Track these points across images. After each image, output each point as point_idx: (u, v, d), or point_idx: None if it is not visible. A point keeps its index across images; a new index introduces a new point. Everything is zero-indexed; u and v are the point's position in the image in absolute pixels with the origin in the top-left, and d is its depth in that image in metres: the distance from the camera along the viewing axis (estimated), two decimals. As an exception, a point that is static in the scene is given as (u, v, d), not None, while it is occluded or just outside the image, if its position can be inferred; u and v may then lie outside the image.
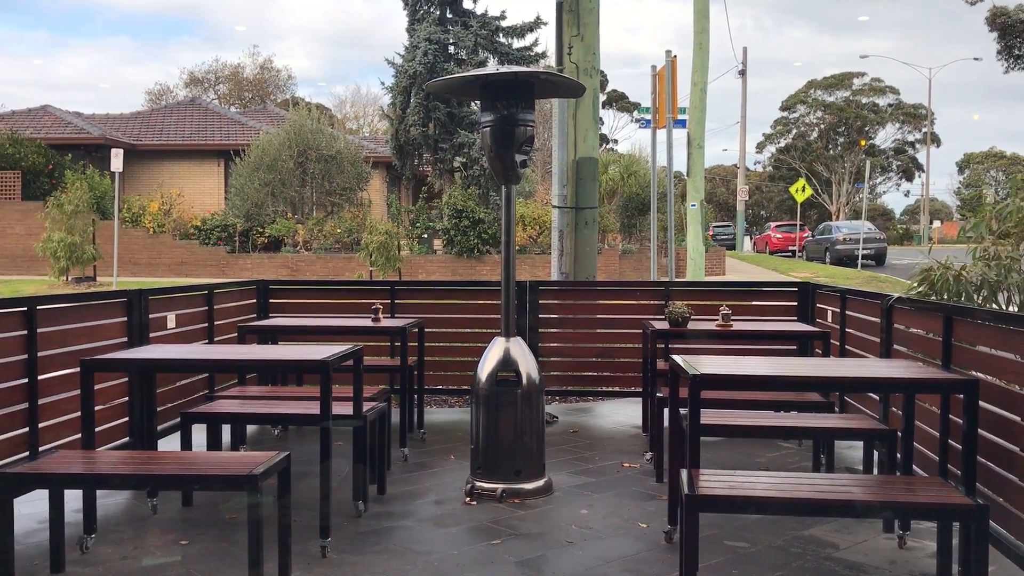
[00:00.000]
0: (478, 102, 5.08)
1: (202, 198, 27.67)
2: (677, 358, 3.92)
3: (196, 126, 30.04)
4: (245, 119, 31.76)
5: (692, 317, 5.86)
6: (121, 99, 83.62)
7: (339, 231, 23.06)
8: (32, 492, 3.80)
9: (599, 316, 7.44)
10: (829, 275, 23.19)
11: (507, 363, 4.83)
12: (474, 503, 4.69)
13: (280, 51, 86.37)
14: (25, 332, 4.40)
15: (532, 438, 4.84)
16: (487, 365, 4.87)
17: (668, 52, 12.57)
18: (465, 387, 7.24)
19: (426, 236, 23.44)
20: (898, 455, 4.28)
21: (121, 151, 19.75)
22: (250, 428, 6.28)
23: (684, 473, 3.48)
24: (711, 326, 5.87)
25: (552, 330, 7.26)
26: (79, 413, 4.70)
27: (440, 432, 6.41)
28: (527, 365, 4.86)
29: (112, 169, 19.22)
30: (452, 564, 3.83)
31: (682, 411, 4.02)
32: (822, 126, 56.43)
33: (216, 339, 6.26)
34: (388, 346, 6.88)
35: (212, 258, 23.56)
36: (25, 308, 4.43)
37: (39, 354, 4.47)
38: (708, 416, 4.25)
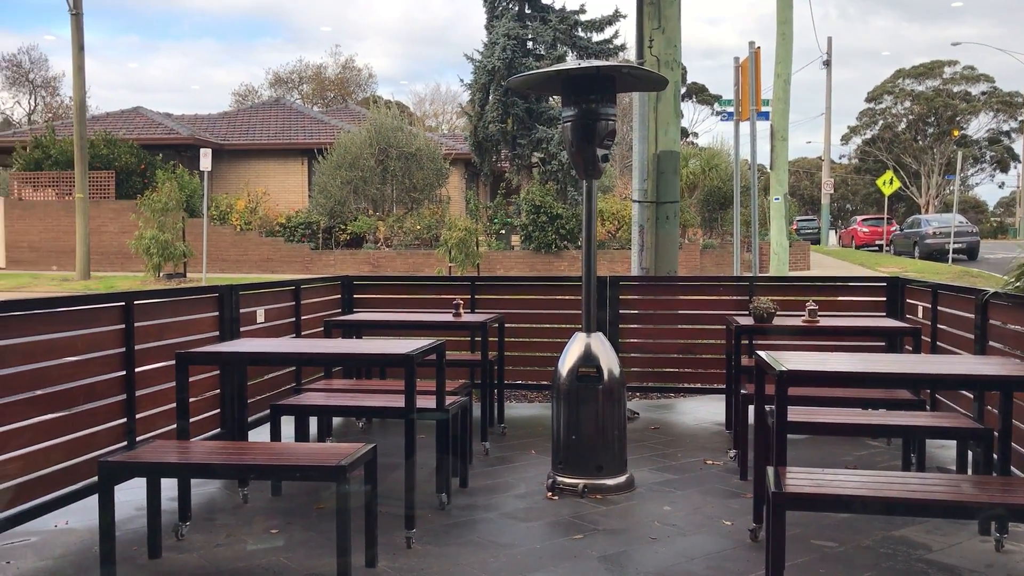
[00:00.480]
0: (558, 97, 5.08)
1: (287, 196, 28.29)
2: (763, 354, 3.86)
3: (280, 126, 30.72)
4: (327, 118, 32.35)
5: (777, 313, 5.75)
6: (208, 100, 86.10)
7: (419, 228, 23.32)
8: (130, 480, 3.95)
9: (680, 312, 7.36)
10: (918, 270, 22.51)
11: (588, 359, 4.83)
12: (555, 498, 4.70)
13: (360, 50, 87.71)
14: (123, 326, 4.57)
15: (614, 434, 4.83)
16: (568, 361, 4.87)
17: (751, 43, 12.36)
18: (544, 382, 7.26)
19: (504, 232, 23.53)
20: (994, 455, 4.14)
21: (209, 151, 20.33)
22: (335, 420, 6.41)
23: (770, 470, 3.42)
24: (797, 322, 5.76)
25: (632, 326, 7.22)
26: (173, 404, 4.88)
27: (520, 427, 6.44)
28: (608, 361, 4.85)
29: (201, 168, 19.80)
30: (535, 558, 3.85)
31: (768, 408, 3.96)
32: (910, 116, 54.76)
33: (303, 333, 6.40)
34: (468, 341, 6.94)
35: (296, 255, 24.08)
36: (123, 303, 4.60)
37: (136, 347, 4.63)
38: (794, 413, 4.17)
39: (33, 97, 54.48)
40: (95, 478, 3.99)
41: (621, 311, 7.07)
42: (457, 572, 3.69)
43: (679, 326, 7.32)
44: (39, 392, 4.01)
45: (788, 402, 3.60)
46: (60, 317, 4.20)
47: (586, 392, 4.79)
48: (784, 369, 3.49)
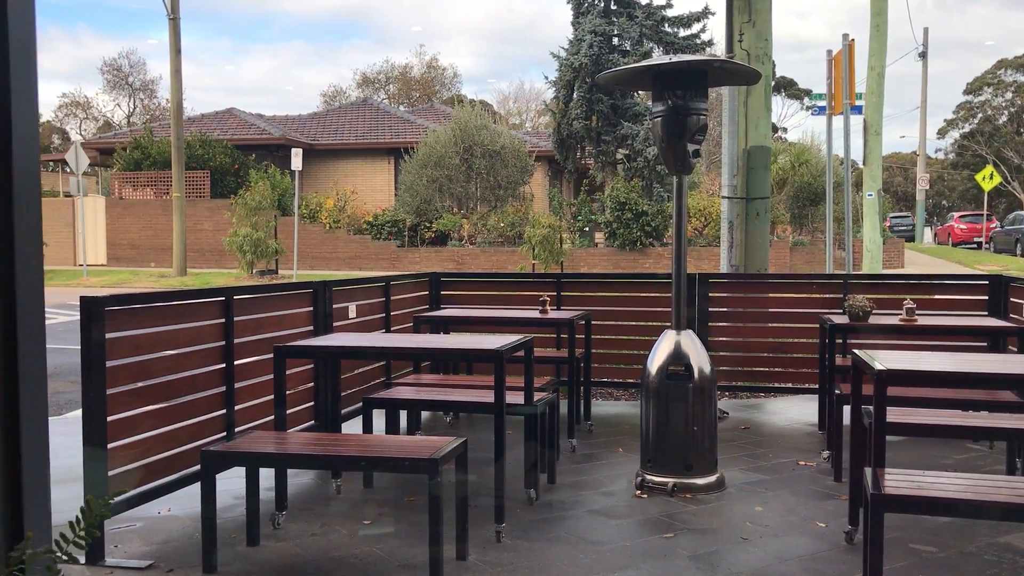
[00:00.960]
0: (644, 93, 5.05)
1: (374, 195, 28.76)
2: (860, 353, 3.77)
3: (368, 125, 31.23)
4: (413, 117, 32.76)
5: (873, 311, 5.60)
6: (298, 101, 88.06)
7: (502, 225, 23.44)
8: (228, 470, 4.08)
9: (771, 310, 7.24)
10: (1021, 268, 21.61)
11: (678, 356, 4.79)
12: (644, 496, 4.68)
13: (445, 50, 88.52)
14: (223, 320, 4.72)
15: (704, 433, 4.78)
16: (657, 358, 4.83)
17: (845, 36, 12.05)
18: (630, 380, 7.22)
19: (588, 229, 23.46)
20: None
21: (300, 150, 20.81)
22: (424, 414, 6.50)
23: (868, 472, 3.34)
24: (894, 321, 5.60)
25: (721, 324, 7.12)
26: (270, 397, 5.03)
27: (606, 424, 6.42)
28: (699, 359, 4.80)
29: (292, 168, 20.27)
30: (625, 555, 3.84)
31: (864, 408, 3.86)
32: (1012, 109, 52.56)
33: (392, 328, 6.51)
34: (554, 338, 6.95)
35: (383, 252, 24.46)
36: (223, 298, 4.75)
37: (235, 341, 4.78)
38: (892, 414, 4.06)
39: (132, 100, 56.53)
40: (197, 467, 4.14)
41: (710, 309, 6.98)
42: (547, 567, 3.70)
43: (769, 324, 7.19)
44: (145, 383, 4.17)
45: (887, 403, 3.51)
46: (164, 311, 4.37)
47: (676, 390, 4.75)
48: (884, 368, 3.40)
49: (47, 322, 10.90)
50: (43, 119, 60.78)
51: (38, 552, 0.68)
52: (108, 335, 3.89)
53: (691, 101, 4.67)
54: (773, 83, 9.58)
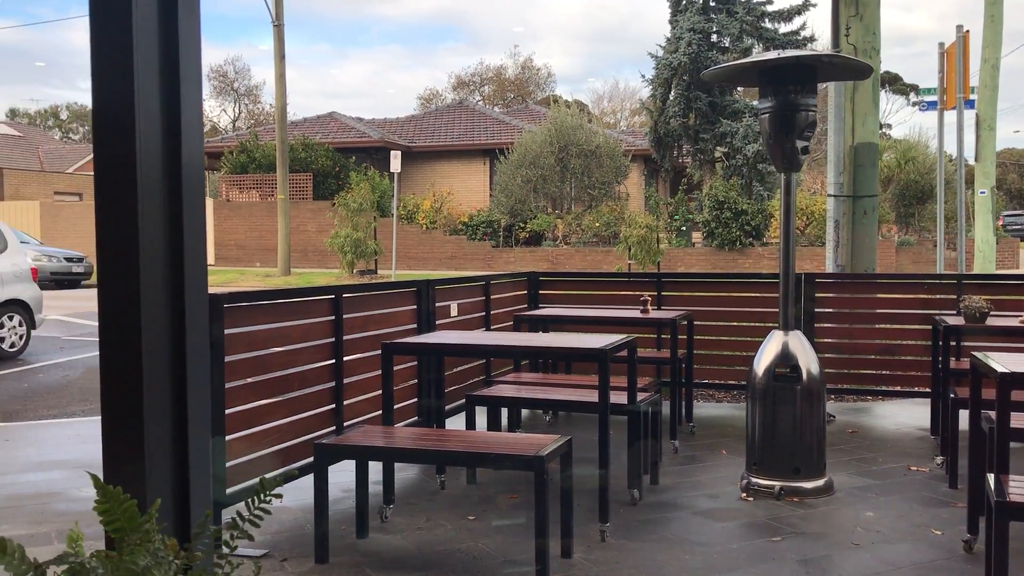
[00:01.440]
0: (743, 90, 4.97)
1: (469, 195, 29.04)
2: (980, 355, 3.63)
3: (463, 127, 31.56)
4: (508, 118, 32.94)
5: (991, 312, 5.39)
6: (394, 104, 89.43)
7: (597, 225, 23.37)
8: (336, 463, 4.18)
9: (879, 311, 7.03)
10: None
11: (786, 357, 4.70)
12: (750, 499, 4.61)
13: (539, 50, 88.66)
14: (332, 317, 4.85)
15: (812, 436, 4.68)
16: (764, 359, 4.76)
17: (959, 27, 11.61)
18: (732, 382, 7.12)
19: (684, 229, 23.20)
20: None
21: (399, 153, 21.17)
22: (523, 412, 6.53)
23: (990, 478, 3.22)
24: (1013, 322, 5.38)
25: (827, 325, 6.95)
26: (375, 393, 5.14)
27: (709, 426, 6.34)
28: (807, 360, 4.70)
29: (392, 170, 20.63)
30: (732, 558, 3.79)
31: (985, 413, 3.72)
32: None
33: (492, 327, 6.57)
34: (654, 338, 6.89)
35: (479, 252, 24.68)
36: (333, 296, 4.88)
37: (344, 338, 4.90)
38: (1015, 419, 3.90)
39: (237, 105, 58.37)
40: (308, 459, 4.26)
41: (816, 309, 6.82)
42: (653, 568, 3.69)
43: (877, 326, 6.99)
44: (259, 378, 4.32)
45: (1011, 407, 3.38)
46: (278, 309, 4.51)
47: (783, 392, 4.67)
48: (1007, 371, 3.27)
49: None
50: (155, 125, 63.29)
51: (217, 528, 0.73)
52: (227, 331, 4.04)
53: (800, 97, 4.58)
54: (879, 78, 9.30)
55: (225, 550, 0.70)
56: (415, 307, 5.66)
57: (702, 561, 3.76)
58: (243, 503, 0.77)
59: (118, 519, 0.67)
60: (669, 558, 3.79)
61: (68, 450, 5.87)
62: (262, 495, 0.73)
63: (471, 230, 25.18)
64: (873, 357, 6.91)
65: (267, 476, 0.84)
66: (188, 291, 0.93)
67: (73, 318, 14.51)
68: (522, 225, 24.42)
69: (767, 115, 4.67)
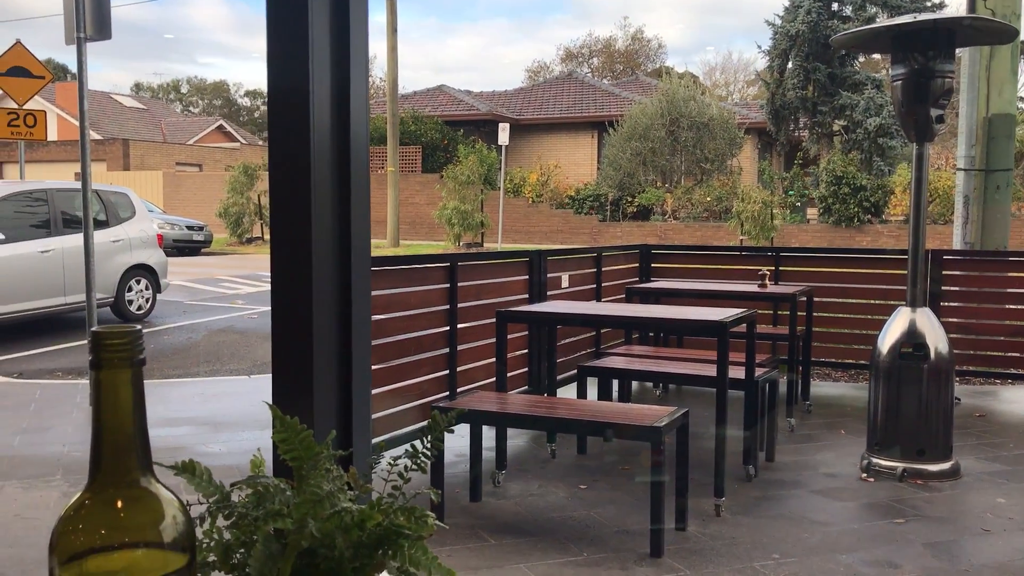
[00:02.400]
0: (864, 60, 4.76)
1: (576, 169, 28.91)
2: None
3: (572, 99, 31.37)
4: (618, 90, 32.57)
5: None
6: (502, 77, 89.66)
7: (708, 199, 22.94)
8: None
9: (1010, 290, 6.68)
10: None
11: (913, 335, 4.52)
12: (871, 480, 4.47)
13: (649, 22, 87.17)
14: (448, 285, 4.91)
15: (938, 417, 4.50)
16: (889, 337, 4.59)
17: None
18: (850, 360, 6.91)
19: (799, 205, 22.55)
20: None
21: (507, 125, 21.21)
22: (633, 387, 6.49)
23: None
24: None
25: (953, 304, 6.66)
26: (487, 361, 5.20)
27: (826, 405, 6.17)
28: (935, 338, 4.51)
29: (500, 143, 20.70)
30: (853, 538, 3.69)
31: None
32: None
33: (602, 300, 6.53)
34: (771, 314, 6.73)
35: (584, 226, 24.58)
36: (448, 264, 4.94)
37: (458, 305, 4.96)
38: None
39: (350, 79, 59.41)
40: (422, 423, 4.34)
41: (943, 288, 6.53)
42: (769, 544, 3.62)
43: (1007, 306, 6.65)
44: (379, 342, 4.41)
45: None
46: (397, 275, 4.59)
47: (909, 371, 4.50)
48: None
49: (265, 288, 11.75)
50: (271, 98, 65.06)
51: (397, 457, 0.74)
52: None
53: (936, 62, 4.36)
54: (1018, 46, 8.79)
55: (399, 481, 0.71)
56: (527, 277, 5.68)
57: (821, 540, 3.67)
58: (417, 440, 0.78)
59: (295, 448, 0.68)
60: (786, 535, 3.71)
61: (193, 408, 6.13)
62: (439, 429, 0.74)
63: (577, 204, 25.08)
64: (1002, 339, 6.58)
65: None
66: (354, 250, 0.95)
67: (195, 283, 15.13)
68: (630, 199, 24.18)
69: (900, 82, 4.47)
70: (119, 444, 0.62)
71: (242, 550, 0.70)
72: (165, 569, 0.62)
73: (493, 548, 3.57)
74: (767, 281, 5.90)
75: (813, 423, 5.66)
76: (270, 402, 0.81)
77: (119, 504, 0.62)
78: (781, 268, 6.95)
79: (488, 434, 4.64)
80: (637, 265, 7.31)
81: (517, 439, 5.16)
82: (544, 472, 4.61)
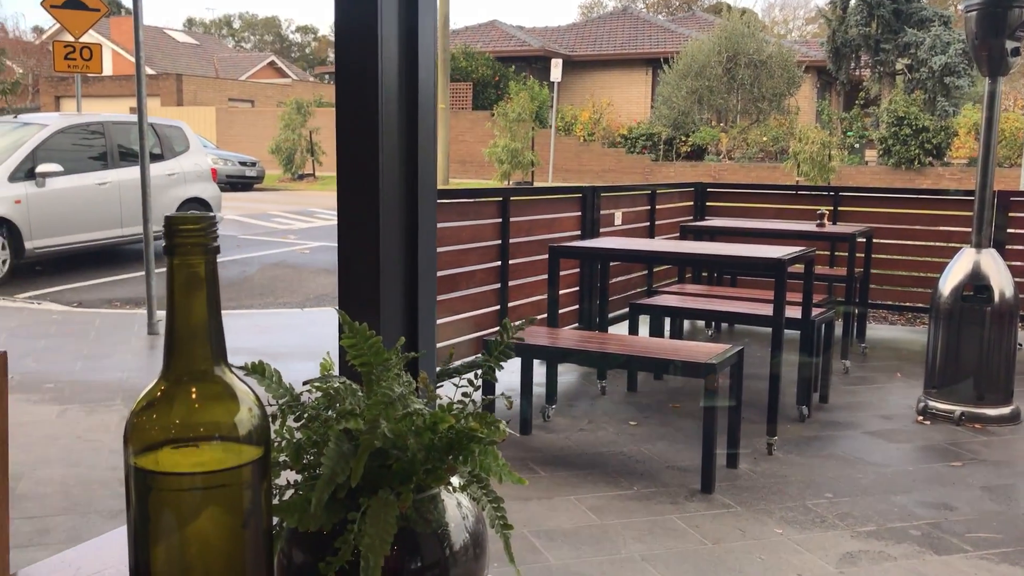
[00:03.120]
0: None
1: (629, 107, 28.46)
2: None
3: (626, 36, 30.75)
4: (674, 26, 31.83)
5: None
6: (554, 13, 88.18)
7: (764, 139, 22.46)
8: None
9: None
10: None
11: (977, 277, 4.40)
12: (927, 422, 4.40)
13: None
14: (499, 220, 4.88)
15: (1000, 361, 4.39)
16: (951, 278, 4.47)
17: None
18: (908, 304, 6.77)
19: (858, 146, 21.98)
20: None
21: (560, 61, 20.90)
22: (685, 327, 6.44)
23: None
24: None
25: (1018, 247, 6.45)
26: (537, 297, 5.18)
27: (881, 348, 6.08)
28: (1001, 281, 4.39)
29: (552, 79, 20.43)
30: (908, 479, 3.64)
31: None
32: None
33: (656, 238, 6.45)
34: (828, 255, 6.61)
35: (636, 166, 24.27)
36: (501, 198, 4.90)
37: (510, 241, 4.93)
38: None
39: (401, 15, 58.87)
40: (475, 356, 4.35)
41: (1009, 230, 6.34)
42: (822, 483, 3.59)
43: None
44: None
45: None
46: (450, 208, 4.57)
47: (971, 313, 4.39)
48: None
49: (324, 224, 11.80)
50: (319, 33, 64.94)
51: (468, 362, 0.73)
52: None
53: (1014, -8, 4.16)
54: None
55: (469, 388, 0.69)
56: (579, 214, 5.62)
57: (875, 480, 3.63)
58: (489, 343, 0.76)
59: (364, 354, 0.66)
60: (840, 475, 3.68)
61: (247, 339, 6.23)
62: (506, 336, 0.71)
63: (630, 143, 24.73)
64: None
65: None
66: (420, 178, 0.93)
67: (248, 218, 15.29)
68: (684, 138, 23.77)
69: (974, 12, 4.28)
70: (193, 333, 0.61)
71: (313, 450, 0.69)
72: (240, 461, 0.61)
73: (544, 480, 3.60)
74: (825, 220, 5.77)
75: (868, 366, 5.58)
76: (337, 308, 0.80)
77: (194, 393, 0.61)
78: (840, 208, 6.80)
79: (538, 370, 4.64)
80: (692, 203, 7.20)
81: (567, 376, 5.17)
82: (594, 408, 4.61)
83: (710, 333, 6.43)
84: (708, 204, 7.24)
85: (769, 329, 4.21)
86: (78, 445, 3.99)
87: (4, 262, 8.54)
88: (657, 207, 6.53)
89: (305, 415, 0.70)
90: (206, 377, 0.61)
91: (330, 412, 0.69)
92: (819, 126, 21.87)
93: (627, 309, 5.21)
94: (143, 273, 6.43)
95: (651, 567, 2.84)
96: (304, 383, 0.72)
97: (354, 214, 0.94)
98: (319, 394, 0.71)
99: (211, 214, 0.62)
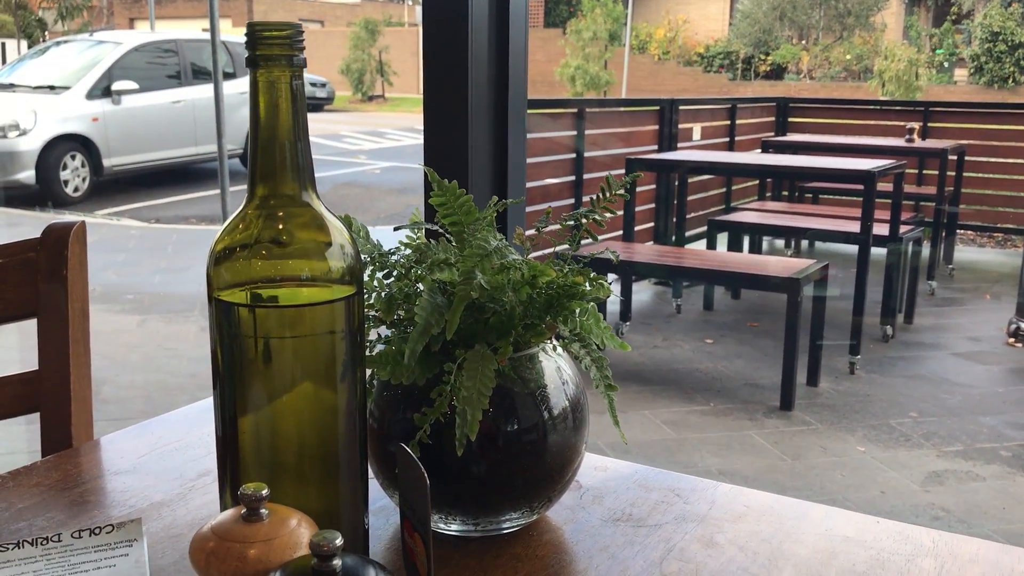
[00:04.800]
0: None
1: (706, 24, 27.53)
2: None
3: (704, -50, 29.62)
4: (753, -60, 30.52)
5: None
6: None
7: (848, 58, 21.57)
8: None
9: None
10: None
11: (1081, 192, 4.15)
12: (1018, 345, 4.21)
13: None
14: (575, 133, 4.75)
15: (1102, 282, 4.17)
16: (1053, 193, 4.23)
17: None
18: (1000, 224, 6.47)
19: (947, 65, 20.97)
20: None
21: (635, -23, 20.22)
22: (763, 246, 6.27)
23: None
24: None
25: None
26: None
27: (969, 270, 5.84)
28: (1107, 196, 4.13)
29: (626, -5, 19.80)
30: (997, 401, 3.50)
31: None
32: None
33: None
34: (916, 174, 6.32)
35: (713, 85, 23.59)
36: (576, 110, 4.77)
37: (585, 155, 4.81)
38: None
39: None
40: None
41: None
42: (906, 403, 3.47)
43: None
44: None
45: None
46: (523, 119, 4.46)
47: (1073, 231, 4.15)
48: None
49: (395, 144, 11.77)
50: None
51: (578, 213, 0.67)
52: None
53: None
54: None
55: (567, 248, 0.63)
56: (656, 128, 5.45)
57: (962, 401, 3.50)
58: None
59: (455, 213, 0.60)
60: (925, 395, 3.56)
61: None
62: (609, 193, 0.64)
63: (706, 62, 24.01)
64: None
65: None
66: (512, 75, 0.87)
67: (318, 139, 15.35)
68: (763, 57, 22.97)
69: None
70: (278, 154, 0.55)
71: (405, 304, 0.63)
72: (331, 296, 0.56)
73: (617, 395, 3.55)
74: (915, 136, 5.50)
75: (956, 287, 5.37)
76: (425, 166, 0.73)
77: (281, 216, 0.55)
78: (930, 125, 6.48)
79: (613, 287, 4.56)
80: (773, 119, 6.94)
81: (641, 294, 5.09)
82: (669, 326, 4.53)
83: (789, 253, 6.24)
84: (790, 120, 6.98)
85: (852, 249, 4.04)
86: (159, 353, 4.07)
87: (84, 180, 8.72)
88: (737, 122, 6.31)
89: (396, 269, 0.65)
90: (294, 203, 0.56)
91: (424, 264, 0.64)
92: (907, 43, 20.89)
93: (704, 227, 5.07)
94: (218, 191, 6.50)
95: (728, 481, 2.79)
96: (395, 229, 0.66)
97: (442, 118, 0.88)
98: (409, 252, 0.66)
99: (296, 22, 0.55)
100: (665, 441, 3.08)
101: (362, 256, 0.65)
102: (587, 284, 0.64)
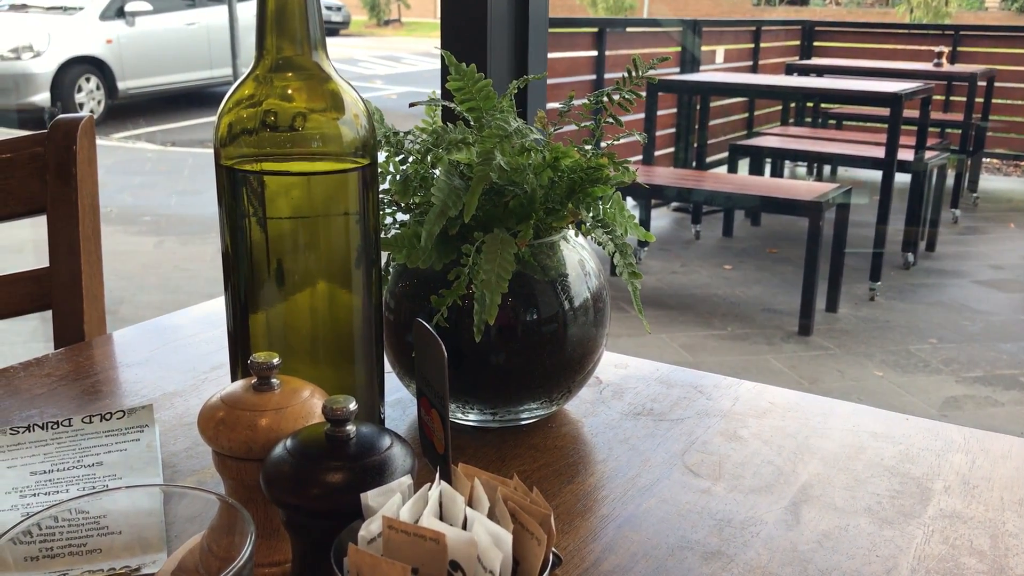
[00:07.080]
0: None
1: (730, -53, 26.81)
2: None
3: None
4: None
5: None
6: None
7: (875, -17, 21.00)
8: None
9: None
10: None
11: (1114, 117, 4.04)
12: (1042, 273, 4.17)
13: None
14: (595, 53, 4.65)
15: None
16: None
17: None
18: (1025, 153, 6.35)
19: (979, -10, 20.37)
20: None
21: None
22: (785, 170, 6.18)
23: None
24: None
25: None
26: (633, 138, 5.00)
27: (994, 200, 5.75)
28: None
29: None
30: (1018, 328, 3.47)
31: None
32: None
33: (758, 79, 6.13)
34: (943, 100, 6.18)
35: (737, 10, 23.06)
36: (596, 29, 4.66)
37: (605, 76, 4.72)
38: None
39: None
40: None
41: None
42: (926, 329, 3.45)
43: None
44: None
45: None
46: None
47: (1104, 157, 4.06)
48: None
49: (411, 69, 11.50)
50: None
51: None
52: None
53: None
54: None
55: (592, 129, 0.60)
56: (679, 49, 5.33)
57: (983, 328, 3.47)
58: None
59: (473, 98, 0.57)
60: (945, 322, 3.53)
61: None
62: (636, 72, 0.61)
63: (729, -13, 23.43)
64: None
65: None
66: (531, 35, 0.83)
67: (333, 63, 15.14)
68: (787, -18, 22.40)
69: None
70: (286, 10, 0.52)
71: (421, 188, 0.61)
72: (342, 166, 0.53)
73: (633, 318, 3.54)
74: (944, 60, 5.36)
75: (979, 215, 5.29)
76: (441, 49, 0.70)
77: (290, 77, 0.53)
78: (959, 49, 6.31)
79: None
80: (798, 43, 6.78)
81: (660, 220, 5.04)
82: (687, 252, 4.49)
83: (812, 179, 6.16)
84: (815, 45, 6.81)
85: (876, 176, 3.97)
86: (175, 273, 4.08)
87: (99, 102, 8.65)
88: (761, 46, 6.16)
89: (412, 152, 0.62)
90: (303, 64, 0.53)
91: (440, 145, 0.61)
92: (937, -33, 20.28)
93: (726, 153, 4.99)
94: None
95: (744, 403, 2.79)
96: (411, 105, 0.63)
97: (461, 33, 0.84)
98: (425, 136, 0.63)
99: None
100: (682, 364, 3.07)
101: (377, 138, 0.63)
102: (611, 168, 0.61)
